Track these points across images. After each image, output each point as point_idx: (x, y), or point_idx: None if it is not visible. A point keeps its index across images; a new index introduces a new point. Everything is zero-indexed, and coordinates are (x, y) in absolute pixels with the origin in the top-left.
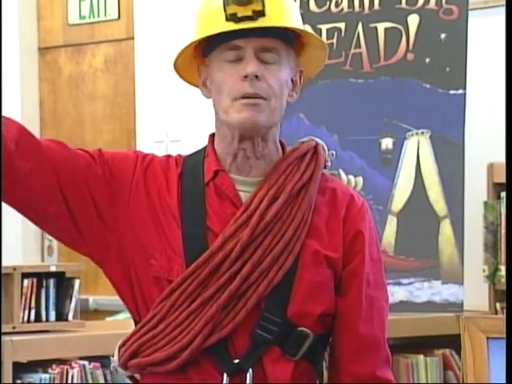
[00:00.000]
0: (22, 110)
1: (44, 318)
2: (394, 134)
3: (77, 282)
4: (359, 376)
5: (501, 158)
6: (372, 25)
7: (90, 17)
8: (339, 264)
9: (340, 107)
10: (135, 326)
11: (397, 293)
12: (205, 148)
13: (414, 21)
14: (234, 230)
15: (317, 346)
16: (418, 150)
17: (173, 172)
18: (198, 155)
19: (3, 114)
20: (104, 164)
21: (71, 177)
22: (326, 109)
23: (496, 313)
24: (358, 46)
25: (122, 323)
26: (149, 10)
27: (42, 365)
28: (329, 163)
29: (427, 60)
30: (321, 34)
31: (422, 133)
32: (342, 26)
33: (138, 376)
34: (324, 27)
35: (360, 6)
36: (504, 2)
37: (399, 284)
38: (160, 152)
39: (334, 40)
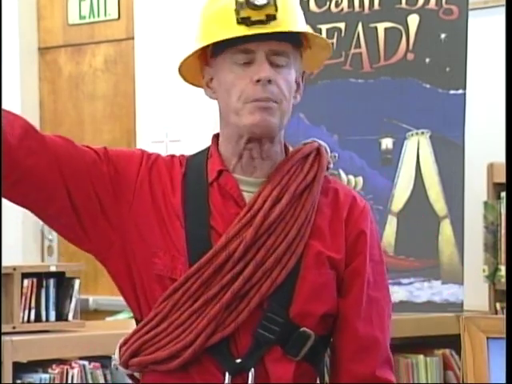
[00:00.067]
0: (22, 110)
1: (44, 318)
2: (394, 133)
3: (77, 282)
4: (359, 376)
5: (501, 157)
6: (372, 25)
7: (90, 17)
8: (342, 265)
9: (340, 107)
10: (137, 324)
11: (397, 293)
12: (208, 148)
13: (414, 21)
14: (238, 229)
15: (318, 347)
16: (417, 150)
17: (177, 172)
18: (201, 155)
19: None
20: (109, 161)
21: (76, 173)
22: (326, 109)
23: (496, 313)
24: (358, 45)
25: (122, 323)
26: (149, 10)
27: (42, 365)
28: (331, 165)
29: (427, 60)
30: (321, 34)
31: (422, 133)
32: (341, 25)
33: (138, 375)
34: (324, 27)
35: (360, 6)
36: (504, 2)
37: (399, 284)
38: (160, 152)
39: (334, 40)
